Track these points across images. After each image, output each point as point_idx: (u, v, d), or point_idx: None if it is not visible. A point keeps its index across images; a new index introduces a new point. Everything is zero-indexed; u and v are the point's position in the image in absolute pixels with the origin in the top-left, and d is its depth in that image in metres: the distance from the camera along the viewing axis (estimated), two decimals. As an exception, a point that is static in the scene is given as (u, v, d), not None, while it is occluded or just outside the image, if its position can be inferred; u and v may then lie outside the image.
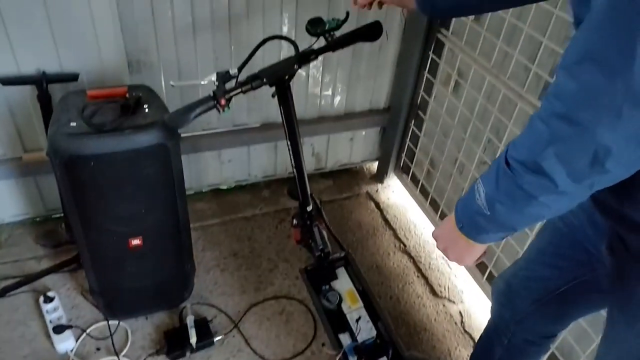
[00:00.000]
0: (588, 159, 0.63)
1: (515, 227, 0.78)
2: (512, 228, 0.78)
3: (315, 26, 1.37)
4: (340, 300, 1.73)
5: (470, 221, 0.82)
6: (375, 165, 2.54)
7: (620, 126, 0.60)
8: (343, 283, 1.79)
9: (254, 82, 1.29)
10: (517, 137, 0.72)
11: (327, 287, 1.76)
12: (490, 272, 1.86)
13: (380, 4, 1.36)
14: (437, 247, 0.93)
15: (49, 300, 1.71)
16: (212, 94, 1.25)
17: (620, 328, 0.91)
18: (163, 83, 1.83)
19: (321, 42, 1.39)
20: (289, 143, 1.54)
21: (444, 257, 0.94)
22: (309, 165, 2.33)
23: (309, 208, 1.71)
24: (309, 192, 1.68)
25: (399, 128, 2.25)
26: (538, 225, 1.45)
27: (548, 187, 0.68)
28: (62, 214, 1.91)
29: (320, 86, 2.11)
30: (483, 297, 1.90)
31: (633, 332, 0.88)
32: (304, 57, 1.34)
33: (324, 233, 1.72)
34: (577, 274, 1.06)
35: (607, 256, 0.93)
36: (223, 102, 1.25)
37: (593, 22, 0.61)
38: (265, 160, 2.25)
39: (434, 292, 1.98)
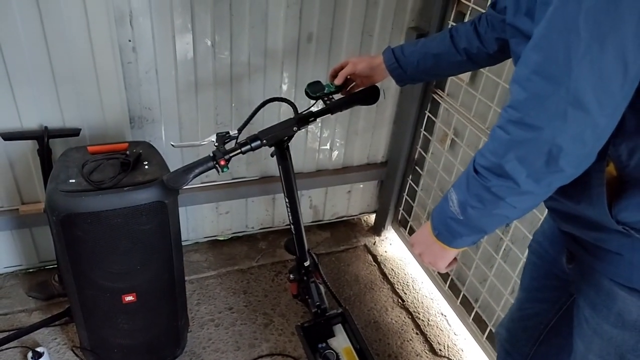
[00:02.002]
0: (544, 159, 0.72)
1: (485, 229, 0.87)
2: (483, 230, 0.87)
3: (314, 89, 1.40)
4: (338, 360, 1.68)
5: (445, 227, 0.90)
6: (372, 218, 2.54)
7: (566, 127, 0.70)
8: (340, 341, 1.75)
9: (253, 143, 1.31)
10: (483, 147, 0.81)
11: (324, 345, 1.71)
12: (490, 331, 1.82)
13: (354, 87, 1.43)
14: (413, 251, 1.00)
15: (37, 356, 1.66)
16: (212, 155, 1.27)
17: (597, 325, 0.94)
18: (164, 139, 1.85)
19: (320, 104, 1.42)
20: (286, 200, 1.54)
21: (420, 260, 1.02)
22: (306, 217, 2.33)
23: (306, 263, 1.69)
24: (306, 248, 1.67)
25: (396, 182, 2.26)
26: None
27: (512, 188, 0.77)
28: (56, 266, 1.88)
29: (319, 141, 2.14)
30: (483, 356, 1.86)
31: (609, 323, 0.91)
32: (302, 120, 1.37)
33: (321, 289, 1.70)
34: (561, 302, 1.13)
35: (568, 266, 1.02)
36: (223, 162, 1.26)
37: (537, 41, 0.72)
38: (263, 212, 2.25)
39: (433, 351, 1.93)
